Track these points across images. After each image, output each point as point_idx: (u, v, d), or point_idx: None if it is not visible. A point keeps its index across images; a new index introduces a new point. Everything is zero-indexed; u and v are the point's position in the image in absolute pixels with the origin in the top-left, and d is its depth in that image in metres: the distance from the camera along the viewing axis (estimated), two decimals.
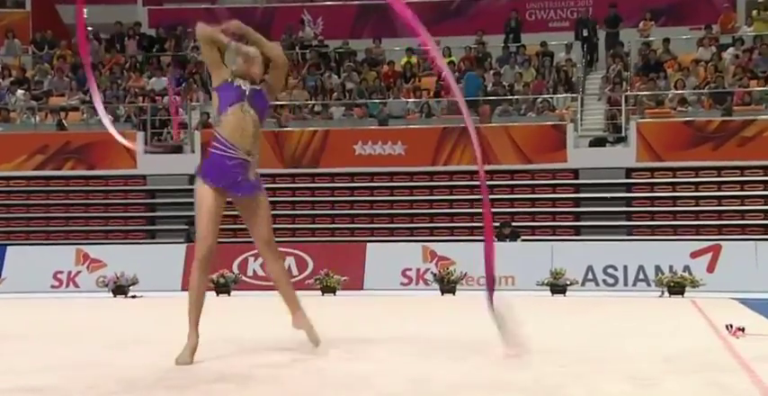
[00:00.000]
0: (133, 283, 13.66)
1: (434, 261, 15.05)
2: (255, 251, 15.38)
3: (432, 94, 19.87)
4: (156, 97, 20.12)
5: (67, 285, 15.27)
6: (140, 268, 14.31)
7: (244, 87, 5.73)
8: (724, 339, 6.67)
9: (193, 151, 18.76)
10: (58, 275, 15.35)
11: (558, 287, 13.36)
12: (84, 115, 19.56)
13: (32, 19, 23.74)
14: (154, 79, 20.88)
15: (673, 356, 5.71)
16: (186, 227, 16.59)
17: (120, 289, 13.66)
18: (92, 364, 5.59)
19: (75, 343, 6.87)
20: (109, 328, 8.13)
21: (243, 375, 5.07)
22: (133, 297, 13.35)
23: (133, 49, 22.12)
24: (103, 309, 11.16)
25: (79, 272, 15.33)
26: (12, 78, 20.85)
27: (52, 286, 15.23)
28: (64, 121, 19.38)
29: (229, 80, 5.71)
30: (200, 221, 5.68)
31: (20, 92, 20.14)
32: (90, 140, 18.61)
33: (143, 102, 19.87)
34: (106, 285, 13.74)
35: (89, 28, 24.18)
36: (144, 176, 18.67)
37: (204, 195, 5.66)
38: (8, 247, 15.98)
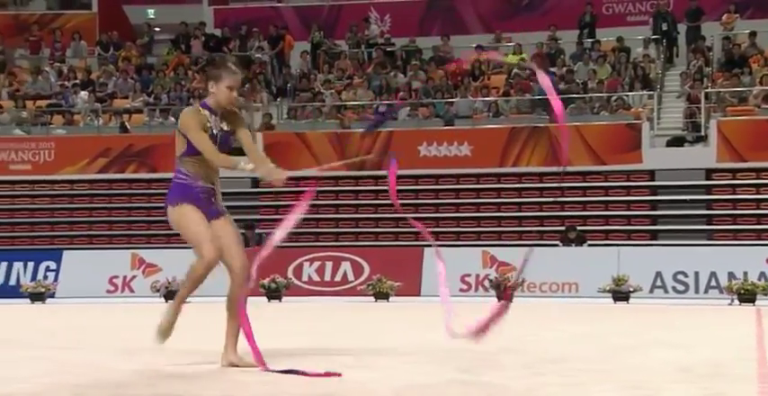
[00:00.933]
0: None
1: (494, 267, 15.08)
2: (311, 256, 15.88)
3: (500, 92, 19.87)
4: None
5: (123, 290, 15.74)
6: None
7: (215, 131, 5.78)
8: (766, 350, 6.61)
9: None
10: (114, 280, 15.83)
11: (620, 294, 13.25)
12: (147, 118, 20.13)
13: (99, 20, 24.45)
14: None
15: (692, 367, 5.68)
16: (244, 231, 16.92)
17: (171, 294, 14.01)
18: (82, 368, 5.81)
19: (76, 349, 7.12)
20: (128, 333, 8.40)
21: (236, 381, 5.24)
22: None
23: (198, 49, 22.64)
24: (144, 313, 11.50)
25: (134, 276, 15.78)
26: (77, 80, 21.56)
27: (107, 291, 15.71)
28: (127, 123, 19.97)
29: (205, 130, 5.73)
30: (193, 230, 5.75)
31: (84, 94, 20.80)
32: (152, 143, 19.14)
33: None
34: (158, 290, 14.13)
35: (156, 28, 24.91)
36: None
37: (179, 212, 5.77)
38: (64, 252, 16.54)
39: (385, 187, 18.46)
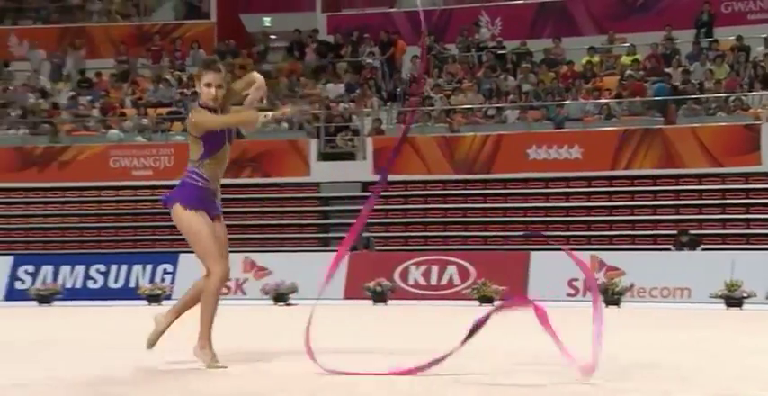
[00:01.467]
0: (292, 291, 14.26)
1: (602, 271, 14.87)
2: (417, 259, 15.94)
3: (612, 94, 19.58)
4: (331, 104, 20.86)
5: (235, 292, 16.12)
6: (304, 276, 14.91)
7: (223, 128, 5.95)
8: None
9: (365, 158, 19.34)
10: (227, 282, 16.17)
11: (733, 300, 12.91)
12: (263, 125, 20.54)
13: (217, 29, 25.08)
14: (330, 85, 21.66)
15: None
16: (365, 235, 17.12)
17: (280, 297, 14.32)
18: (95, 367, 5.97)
19: (111, 349, 7.30)
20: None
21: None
22: (289, 305, 13.98)
23: (311, 56, 23.00)
24: (251, 315, 11.76)
25: (246, 279, 16.13)
26: (194, 88, 22.12)
27: (221, 293, 16.06)
28: (242, 129, 20.39)
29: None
30: (206, 244, 5.97)
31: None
32: (265, 149, 19.53)
33: (317, 109, 20.65)
34: (267, 293, 14.42)
35: (272, 36, 25.42)
36: (317, 184, 19.40)
37: (197, 219, 5.97)
38: (181, 255, 17.01)
39: (495, 191, 18.49)
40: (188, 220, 6.01)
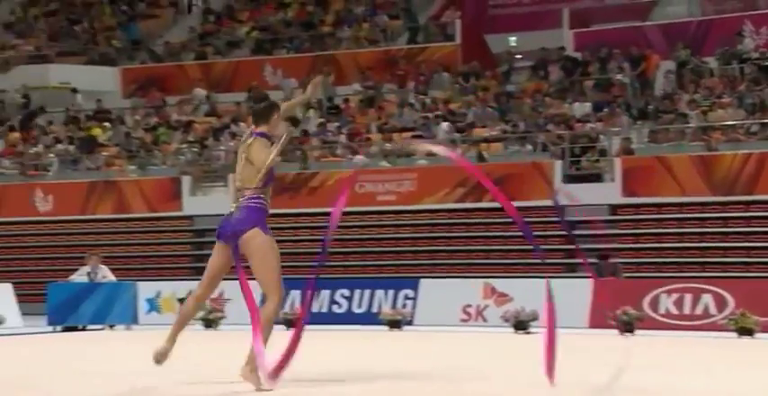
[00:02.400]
0: (533, 319, 13.91)
1: None
2: (669, 287, 15.09)
3: None
4: (576, 124, 20.34)
5: (476, 319, 15.92)
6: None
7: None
8: None
9: (613, 180, 18.67)
10: (467, 309, 16.05)
11: None
12: (506, 147, 20.31)
13: (462, 51, 25.15)
14: (576, 104, 21.14)
15: None
16: (597, 261, 16.53)
17: (520, 324, 13.99)
18: None
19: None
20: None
21: None
22: (528, 333, 13.62)
23: (556, 74, 22.57)
24: (492, 343, 11.52)
25: (487, 306, 15.90)
26: (438, 112, 22.29)
27: (461, 320, 15.96)
28: (484, 152, 20.28)
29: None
30: (274, 270, 6.44)
31: (445, 125, 21.44)
32: (508, 172, 19.25)
33: (562, 129, 20.18)
34: (507, 320, 14.14)
35: (517, 55, 25.20)
36: (561, 207, 18.90)
37: (272, 246, 6.49)
38: (421, 280, 17.03)
39: (758, 214, 17.29)
40: (265, 244, 6.44)
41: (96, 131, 24.41)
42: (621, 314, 13.43)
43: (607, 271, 16.06)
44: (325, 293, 17.39)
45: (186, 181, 21.65)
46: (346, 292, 17.23)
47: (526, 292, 15.43)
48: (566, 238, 18.94)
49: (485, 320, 15.73)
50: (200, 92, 25.87)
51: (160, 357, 6.76)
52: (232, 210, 6.67)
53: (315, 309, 17.00)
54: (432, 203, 19.83)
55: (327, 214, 20.26)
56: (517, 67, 24.19)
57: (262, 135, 6.62)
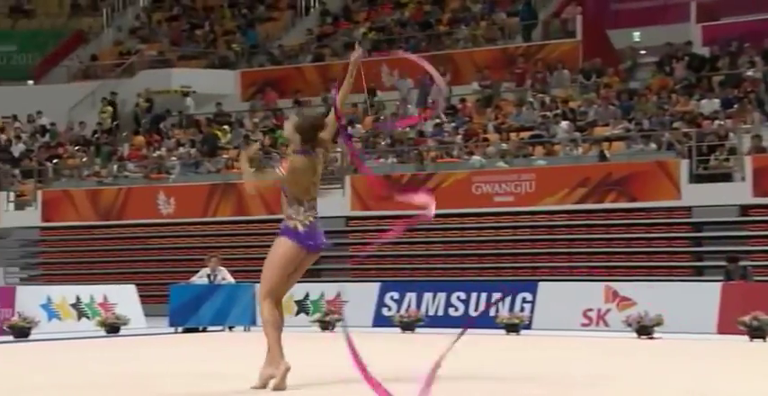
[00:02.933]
0: (657, 324, 13.62)
1: None
2: None
3: None
4: (704, 121, 19.83)
5: (597, 323, 15.67)
6: (672, 308, 14.21)
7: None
8: None
9: (743, 179, 18.14)
10: (588, 313, 15.81)
11: None
12: (629, 146, 19.95)
13: (583, 47, 24.79)
14: (704, 101, 20.61)
15: None
16: (726, 264, 16.08)
17: (643, 329, 13.72)
18: None
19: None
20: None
21: None
22: (652, 338, 13.35)
23: (681, 70, 22.06)
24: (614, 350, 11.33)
25: (608, 310, 15.64)
26: (558, 110, 22.03)
27: (582, 324, 15.73)
28: (606, 151, 19.96)
29: None
30: None
31: (564, 124, 21.18)
32: (631, 171, 18.91)
33: (689, 127, 19.71)
34: (630, 325, 13.88)
35: (641, 51, 24.73)
36: (689, 208, 18.47)
37: None
38: (540, 283, 16.85)
39: None
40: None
41: (217, 135, 24.96)
42: (752, 319, 13.02)
43: (736, 274, 15.60)
44: (442, 296, 17.37)
45: None
46: (462, 294, 17.16)
47: (649, 295, 15.16)
48: (692, 241, 18.51)
49: (606, 325, 15.46)
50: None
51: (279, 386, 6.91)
52: (312, 220, 7.04)
53: (431, 312, 17.01)
54: (551, 204, 19.59)
55: (444, 216, 20.42)
56: (641, 63, 23.76)
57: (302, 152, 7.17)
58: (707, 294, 15.03)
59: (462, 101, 23.83)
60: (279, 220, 24.62)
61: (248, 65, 29.31)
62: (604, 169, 19.35)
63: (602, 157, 19.76)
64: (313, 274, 21.56)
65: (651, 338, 13.38)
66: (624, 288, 15.75)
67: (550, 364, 9.59)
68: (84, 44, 32.50)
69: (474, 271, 20.02)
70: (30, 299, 15.99)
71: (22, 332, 14.39)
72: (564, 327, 15.34)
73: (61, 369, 9.23)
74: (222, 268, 16.47)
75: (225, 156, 23.86)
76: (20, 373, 8.95)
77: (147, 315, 17.35)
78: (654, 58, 23.27)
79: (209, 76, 28.29)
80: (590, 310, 15.73)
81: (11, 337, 14.40)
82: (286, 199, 7.08)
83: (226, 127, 25.56)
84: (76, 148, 26.49)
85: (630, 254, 18.78)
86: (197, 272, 16.88)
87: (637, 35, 25.10)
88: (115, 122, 27.56)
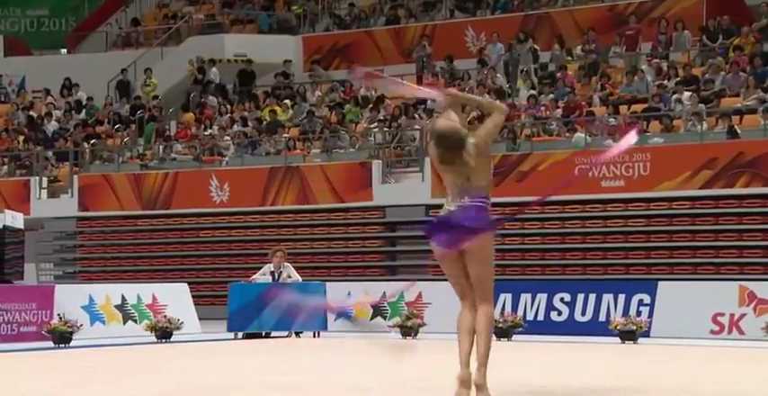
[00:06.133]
0: None
1: None
2: None
3: None
4: None
5: (730, 331, 15.33)
6: None
7: None
8: None
9: None
10: (718, 318, 15.47)
11: None
12: (762, 119, 19.48)
13: (707, 3, 24.30)
14: None
15: None
16: None
17: None
18: None
19: None
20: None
21: None
22: None
23: None
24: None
25: (744, 314, 15.29)
26: (677, 79, 21.61)
27: (711, 331, 15.40)
28: (736, 127, 19.52)
29: None
30: (492, 272, 7.00)
31: (686, 94, 20.76)
32: (766, 150, 18.52)
33: None
34: None
35: None
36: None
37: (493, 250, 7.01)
38: (660, 283, 16.52)
39: None
40: (492, 249, 7.04)
41: (277, 111, 24.97)
42: None
43: None
44: (542, 298, 17.15)
45: (377, 166, 21.83)
46: (567, 296, 16.93)
47: None
48: None
49: (741, 332, 15.13)
50: None
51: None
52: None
53: (530, 316, 16.80)
54: (670, 190, 19.24)
55: (542, 204, 19.99)
56: None
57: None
58: None
59: (562, 68, 23.50)
60: (346, 210, 24.47)
61: (311, 29, 29.28)
62: (735, 148, 18.96)
63: (733, 133, 19.36)
64: (389, 271, 21.55)
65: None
66: (764, 289, 15.37)
67: (675, 377, 9.36)
68: (124, 7, 32.77)
69: (579, 268, 19.76)
70: (70, 299, 16.11)
71: (63, 337, 14.51)
72: (688, 334, 15.04)
73: (116, 381, 9.22)
74: (288, 264, 16.45)
75: (285, 135, 23.86)
76: (67, 382, 8.96)
77: (200, 318, 17.41)
78: None
79: (267, 43, 28.32)
80: (721, 314, 15.39)
81: (50, 343, 14.51)
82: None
83: (287, 101, 25.56)
84: (117, 126, 26.70)
85: (765, 248, 18.36)
86: (258, 269, 16.88)
87: None
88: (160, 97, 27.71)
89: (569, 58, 24.13)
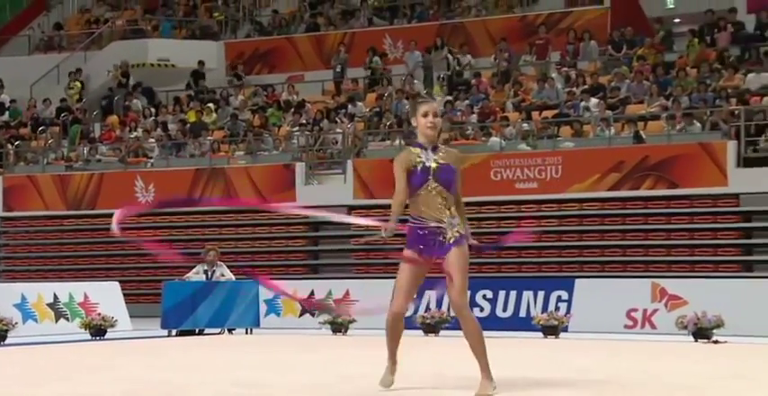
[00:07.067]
0: (717, 326, 13.56)
1: None
2: None
3: None
4: (752, 98, 19.79)
5: (642, 325, 15.60)
6: (728, 307, 14.14)
7: (428, 164, 7.10)
8: None
9: None
10: (632, 314, 15.74)
11: None
12: (665, 125, 19.87)
13: (611, 15, 24.68)
14: (751, 76, 20.56)
15: None
16: None
17: (701, 332, 13.65)
18: None
19: None
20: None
21: None
22: (715, 342, 13.29)
23: (725, 41, 22.01)
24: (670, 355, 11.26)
25: (656, 310, 15.57)
26: (585, 86, 21.93)
27: (625, 326, 15.65)
28: (642, 132, 19.89)
29: (414, 166, 7.07)
30: (400, 281, 7.16)
31: (593, 101, 21.08)
32: (671, 154, 18.87)
33: (735, 104, 19.66)
34: (685, 327, 13.81)
35: (676, 19, 24.61)
36: (736, 195, 18.45)
37: (405, 261, 7.13)
38: (576, 280, 16.78)
39: None
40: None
41: (199, 115, 24.74)
42: None
43: None
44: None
45: (300, 168, 21.78)
46: (489, 293, 17.07)
47: (703, 293, 15.11)
48: (741, 232, 18.48)
49: (653, 327, 15.40)
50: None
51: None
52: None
53: (453, 313, 16.87)
54: (581, 192, 19.53)
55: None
56: (678, 32, 23.69)
57: (413, 145, 7.31)
58: (759, 292, 15.05)
59: (477, 75, 23.71)
60: (272, 212, 23.87)
61: (233, 35, 29.10)
62: (640, 152, 19.31)
63: (638, 138, 19.71)
64: (312, 271, 21.51)
65: (716, 343, 13.29)
66: (675, 285, 15.66)
67: (599, 370, 9.50)
68: (46, 12, 32.18)
69: (493, 266, 19.91)
70: (2, 298, 15.81)
71: None
72: (604, 329, 15.26)
73: (63, 379, 9.06)
74: (221, 263, 16.32)
75: (210, 137, 23.67)
76: (24, 381, 8.78)
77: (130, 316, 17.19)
78: (692, 26, 23.12)
79: (190, 48, 28.06)
80: (634, 310, 15.67)
81: None
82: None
83: (210, 105, 25.35)
84: (40, 128, 26.22)
85: (670, 247, 18.76)
86: (186, 268, 16.70)
87: (671, 1, 25.04)
88: (83, 100, 27.28)
89: (484, 66, 24.34)
